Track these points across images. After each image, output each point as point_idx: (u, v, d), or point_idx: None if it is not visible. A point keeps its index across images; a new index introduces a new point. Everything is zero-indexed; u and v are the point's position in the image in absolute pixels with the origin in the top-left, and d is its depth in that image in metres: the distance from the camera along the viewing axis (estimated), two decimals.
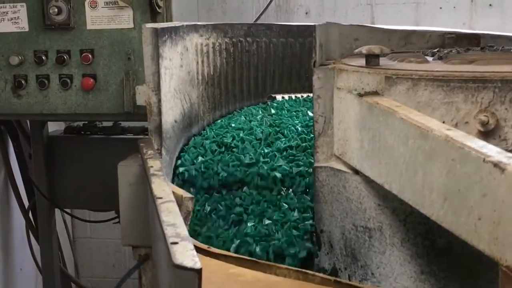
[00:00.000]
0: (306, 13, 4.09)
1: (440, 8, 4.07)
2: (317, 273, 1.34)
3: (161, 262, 1.47)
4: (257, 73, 2.73)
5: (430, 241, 1.64)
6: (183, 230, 1.17)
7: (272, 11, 4.02)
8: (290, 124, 2.36)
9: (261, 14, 3.75)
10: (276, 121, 2.40)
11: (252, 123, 2.38)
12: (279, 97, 2.77)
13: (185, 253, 1.06)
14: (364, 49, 1.79)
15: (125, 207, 2.06)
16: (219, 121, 2.47)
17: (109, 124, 3.07)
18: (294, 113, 2.52)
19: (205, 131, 2.35)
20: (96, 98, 2.46)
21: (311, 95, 2.74)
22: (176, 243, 1.10)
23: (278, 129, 2.32)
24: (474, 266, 1.58)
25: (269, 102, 2.71)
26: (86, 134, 3.06)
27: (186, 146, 2.26)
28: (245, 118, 2.46)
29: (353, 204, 1.79)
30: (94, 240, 4.40)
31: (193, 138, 2.31)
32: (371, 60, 1.79)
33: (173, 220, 1.22)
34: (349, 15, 3.97)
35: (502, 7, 4.15)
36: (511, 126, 1.51)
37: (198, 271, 1.00)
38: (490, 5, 4.10)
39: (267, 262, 1.41)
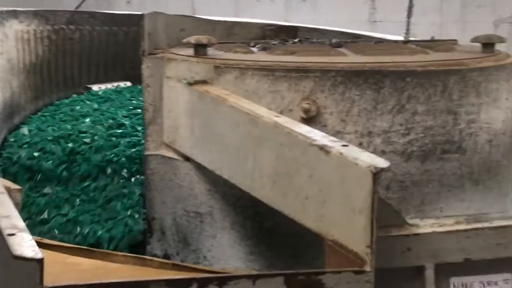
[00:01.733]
0: (128, 2, 4.07)
1: (258, 1, 4.24)
2: (154, 258, 1.37)
3: None
4: (81, 62, 2.68)
5: (258, 223, 1.72)
6: (19, 222, 1.14)
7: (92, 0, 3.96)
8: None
9: (82, 2, 3.67)
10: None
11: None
12: (95, 87, 2.70)
13: (24, 243, 1.04)
14: (192, 39, 1.84)
15: None
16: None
17: None
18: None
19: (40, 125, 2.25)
20: None
21: (128, 83, 2.75)
22: (13, 234, 1.08)
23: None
24: (298, 245, 1.68)
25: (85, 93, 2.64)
26: None
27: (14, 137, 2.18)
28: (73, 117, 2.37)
29: (184, 190, 1.83)
30: None
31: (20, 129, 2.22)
32: (200, 49, 1.84)
33: (7, 212, 1.19)
34: (170, 5, 4.01)
35: (314, 1, 4.41)
36: (330, 113, 1.64)
37: (40, 261, 0.99)
38: None
39: (104, 250, 1.41)
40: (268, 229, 1.71)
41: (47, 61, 2.50)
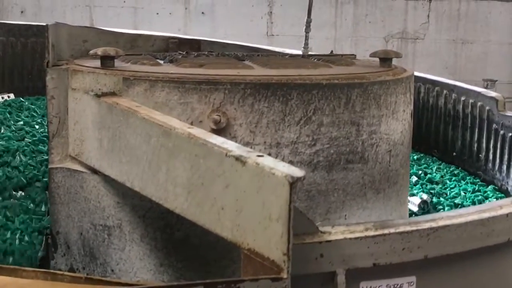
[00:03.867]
0: (22, 12, 3.96)
1: (157, 13, 4.23)
2: (66, 273, 1.35)
3: None
4: None
5: (168, 235, 1.73)
6: None
7: None
8: None
9: None
10: None
11: None
12: None
13: None
14: (99, 51, 1.82)
15: None
16: None
17: None
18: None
19: None
20: None
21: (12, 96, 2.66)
22: None
23: None
24: (209, 255, 1.70)
25: None
26: None
27: None
28: None
29: (92, 203, 1.81)
30: None
31: None
32: (107, 61, 1.83)
33: None
34: (68, 16, 3.94)
35: (213, 15, 4.45)
36: (239, 125, 1.67)
37: None
38: (203, 13, 4.37)
39: (11, 266, 1.37)
40: (178, 240, 1.72)
41: None
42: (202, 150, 1.31)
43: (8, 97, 2.59)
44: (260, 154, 1.20)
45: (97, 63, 1.84)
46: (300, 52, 2.73)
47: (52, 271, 1.36)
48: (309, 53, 2.60)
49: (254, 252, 1.17)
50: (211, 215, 1.29)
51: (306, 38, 2.77)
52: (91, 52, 1.86)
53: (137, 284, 1.19)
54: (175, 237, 1.72)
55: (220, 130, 1.64)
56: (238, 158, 1.21)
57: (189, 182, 1.36)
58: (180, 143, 1.38)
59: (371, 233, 1.24)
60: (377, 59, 2.05)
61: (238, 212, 1.21)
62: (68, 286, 1.24)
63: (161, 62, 2.00)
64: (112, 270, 1.79)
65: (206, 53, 2.41)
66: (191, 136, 1.35)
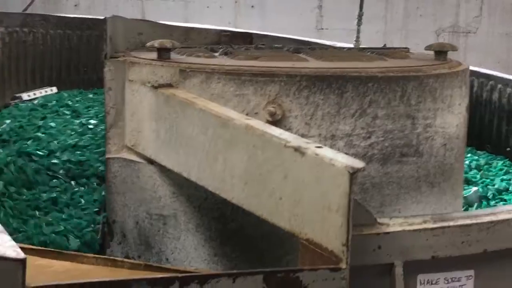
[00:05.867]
0: (76, 5, 4.03)
1: (208, 7, 4.26)
2: (125, 260, 1.38)
3: None
4: (34, 65, 2.65)
5: (223, 225, 1.75)
6: None
7: (39, 3, 3.89)
8: None
9: (29, 5, 3.61)
10: None
11: None
12: (24, 95, 2.62)
13: (5, 244, 1.04)
14: (156, 43, 1.85)
15: None
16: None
17: None
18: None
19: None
20: None
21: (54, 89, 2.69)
22: None
23: None
24: (263, 246, 1.71)
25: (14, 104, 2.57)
26: None
27: None
28: None
29: (147, 193, 1.84)
30: None
31: None
32: (163, 53, 1.85)
33: None
34: (120, 9, 3.99)
35: (263, 9, 4.46)
36: (295, 117, 1.68)
37: (23, 261, 0.99)
38: (252, 6, 4.38)
39: (72, 252, 1.41)
40: (233, 231, 1.74)
41: (0, 63, 2.47)
42: (260, 141, 1.32)
43: (51, 90, 2.64)
44: (319, 145, 1.21)
45: (153, 55, 1.87)
46: (351, 46, 2.72)
47: (112, 257, 1.39)
48: (361, 46, 2.59)
49: (312, 242, 1.18)
50: (269, 205, 1.30)
51: (358, 31, 2.76)
52: (148, 44, 1.89)
53: (195, 271, 1.21)
54: (230, 228, 1.73)
55: (275, 122, 1.65)
56: (297, 149, 1.21)
57: (246, 172, 1.37)
58: (237, 134, 1.39)
59: (430, 225, 1.23)
60: (432, 52, 2.03)
61: (297, 202, 1.22)
62: (128, 272, 1.27)
63: (216, 54, 2.01)
64: (167, 259, 1.82)
65: (259, 46, 2.42)
66: (249, 127, 1.36)
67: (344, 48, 2.62)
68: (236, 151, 1.40)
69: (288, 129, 1.67)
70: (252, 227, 1.69)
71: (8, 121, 2.22)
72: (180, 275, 1.03)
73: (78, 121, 2.33)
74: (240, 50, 2.11)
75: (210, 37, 2.61)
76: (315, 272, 1.10)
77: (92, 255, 1.38)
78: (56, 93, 2.63)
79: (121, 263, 1.34)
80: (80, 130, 2.31)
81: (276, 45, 2.43)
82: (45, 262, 1.33)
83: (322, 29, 4.66)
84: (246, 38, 2.73)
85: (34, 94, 2.53)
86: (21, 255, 1.00)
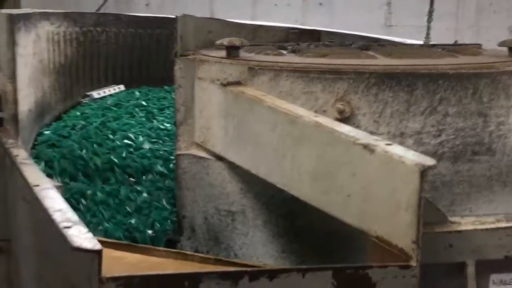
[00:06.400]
0: (147, 4, 4.11)
1: (275, 5, 4.28)
2: (195, 253, 1.40)
3: (40, 250, 1.45)
4: (107, 64, 2.72)
5: (290, 222, 1.75)
6: (72, 215, 1.18)
7: (111, 2, 3.99)
8: None
9: (102, 5, 3.71)
10: None
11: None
12: (95, 93, 2.66)
13: (82, 235, 1.08)
14: (225, 41, 1.87)
15: None
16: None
17: None
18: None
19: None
20: None
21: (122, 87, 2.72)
22: (69, 227, 1.11)
23: None
24: (331, 243, 1.71)
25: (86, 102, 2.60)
26: None
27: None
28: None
29: (216, 189, 1.86)
30: None
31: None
32: (232, 51, 1.87)
33: (58, 206, 1.22)
34: (189, 7, 4.05)
35: (330, 6, 4.45)
36: (363, 114, 1.67)
37: (99, 252, 1.02)
38: (320, 4, 4.38)
39: (144, 245, 1.44)
40: (300, 228, 1.74)
41: (75, 62, 2.54)
42: (328, 138, 1.32)
43: (119, 88, 2.70)
44: (389, 142, 1.20)
45: (223, 53, 1.89)
46: (421, 43, 2.68)
47: (183, 251, 1.42)
48: (431, 43, 2.55)
49: (381, 239, 1.18)
50: (337, 202, 1.30)
51: (428, 28, 2.72)
52: (218, 42, 1.91)
53: (265, 267, 1.23)
54: (297, 225, 1.74)
55: (344, 119, 1.64)
56: (366, 146, 1.21)
57: (314, 169, 1.37)
58: (306, 131, 1.40)
59: (503, 224, 1.21)
60: (505, 49, 1.99)
61: (365, 200, 1.22)
62: (198, 266, 1.30)
63: (284, 52, 2.02)
64: (236, 255, 1.84)
65: (327, 43, 2.42)
66: (318, 124, 1.36)
67: (414, 45, 2.58)
68: (305, 148, 1.41)
69: (357, 127, 1.66)
70: (320, 224, 1.69)
71: (82, 122, 2.27)
72: (249, 269, 1.04)
73: (152, 124, 2.33)
74: (308, 47, 2.11)
75: (278, 35, 2.62)
76: (385, 269, 1.10)
77: (163, 248, 1.42)
78: (123, 90, 2.68)
79: (191, 257, 1.37)
80: (154, 134, 2.32)
81: (344, 43, 2.42)
82: (119, 254, 1.37)
83: (391, 26, 4.61)
84: (314, 36, 2.72)
85: (104, 92, 2.59)
86: (97, 246, 1.03)
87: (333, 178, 1.31)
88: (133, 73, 2.82)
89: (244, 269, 1.05)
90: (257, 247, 1.80)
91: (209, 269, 1.23)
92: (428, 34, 2.76)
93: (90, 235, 1.08)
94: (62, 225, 1.12)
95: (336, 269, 1.09)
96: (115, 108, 2.43)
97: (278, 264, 1.77)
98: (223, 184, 1.84)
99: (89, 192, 2.06)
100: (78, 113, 2.37)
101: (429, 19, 2.72)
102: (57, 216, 1.17)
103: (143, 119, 2.38)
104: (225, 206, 1.85)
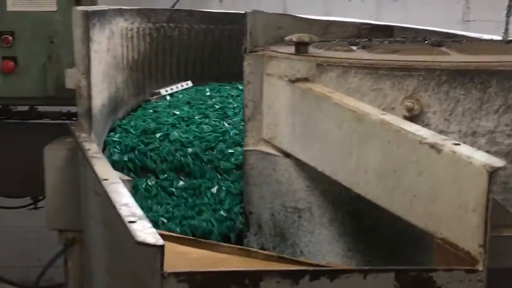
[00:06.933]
0: (220, 1, 4.13)
1: (349, 0, 4.22)
2: (260, 250, 1.40)
3: (103, 242, 1.49)
4: (179, 59, 2.75)
5: (357, 221, 1.73)
6: (137, 209, 1.20)
7: None
8: None
9: (176, 1, 3.76)
10: None
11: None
12: (163, 91, 2.60)
13: (145, 230, 1.10)
14: (294, 37, 1.86)
15: (52, 191, 2.05)
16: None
17: (25, 109, 3.00)
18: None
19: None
20: (17, 81, 2.41)
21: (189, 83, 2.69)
22: (134, 221, 1.13)
23: None
24: (397, 244, 1.68)
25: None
26: (0, 118, 2.97)
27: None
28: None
29: (283, 186, 1.86)
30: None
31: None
32: (301, 47, 1.86)
33: (125, 200, 1.25)
34: (262, 3, 4.04)
35: (405, 1, 4.36)
36: (433, 112, 1.63)
37: (161, 248, 1.04)
38: None
39: (209, 241, 1.46)
40: (367, 227, 1.72)
41: (148, 57, 2.58)
42: (395, 136, 1.30)
43: (187, 84, 2.71)
44: (456, 142, 1.17)
45: (292, 49, 1.89)
46: (499, 38, 2.60)
47: (247, 248, 1.42)
48: (509, 39, 2.46)
49: (447, 241, 1.15)
50: (403, 202, 1.28)
51: (507, 23, 2.62)
52: (287, 38, 1.91)
53: (327, 266, 1.22)
54: (364, 223, 1.72)
55: (413, 117, 1.61)
56: (433, 146, 1.18)
57: (380, 168, 1.35)
58: (372, 129, 1.38)
59: None
60: None
61: (432, 201, 1.19)
62: (261, 263, 1.30)
63: (354, 48, 2.00)
64: (301, 252, 1.84)
65: (400, 39, 2.37)
66: (384, 122, 1.34)
67: (491, 40, 2.50)
68: (371, 146, 1.39)
69: (426, 125, 1.62)
70: (386, 224, 1.66)
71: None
72: (310, 268, 1.04)
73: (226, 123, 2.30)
74: (379, 43, 2.08)
75: (350, 30, 2.58)
76: (450, 272, 1.07)
77: (228, 244, 1.43)
78: (191, 87, 2.67)
79: (255, 254, 1.37)
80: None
81: (417, 38, 2.37)
82: (184, 249, 1.38)
83: (469, 21, 4.48)
84: (387, 31, 2.67)
85: (172, 89, 2.60)
86: (160, 241, 1.05)
87: (399, 177, 1.29)
88: (204, 69, 2.84)
89: (305, 268, 1.04)
90: (323, 245, 1.79)
91: (272, 267, 1.23)
92: (506, 29, 2.67)
93: (153, 230, 1.09)
94: (127, 219, 1.14)
95: (399, 271, 1.07)
96: (186, 108, 2.41)
97: (344, 263, 1.75)
98: (290, 180, 1.84)
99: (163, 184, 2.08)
100: (150, 111, 2.39)
101: (508, 14, 2.62)
102: (123, 211, 1.19)
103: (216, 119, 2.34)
104: (291, 203, 1.84)
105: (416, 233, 1.33)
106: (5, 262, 4.37)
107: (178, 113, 2.39)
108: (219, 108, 2.46)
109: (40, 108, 2.99)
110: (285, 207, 1.86)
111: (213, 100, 2.57)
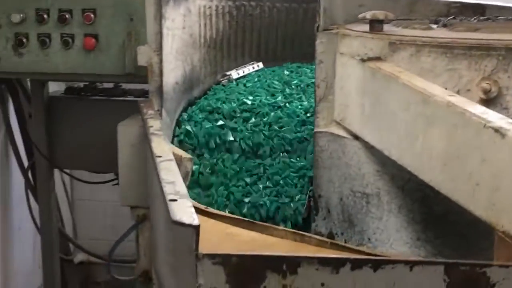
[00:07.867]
0: None
1: None
2: (313, 235, 1.35)
3: (159, 220, 1.48)
4: (259, 38, 2.71)
5: (427, 208, 1.64)
6: (182, 188, 1.17)
7: None
8: None
9: None
10: None
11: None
12: (234, 73, 2.52)
13: (184, 210, 1.07)
14: (368, 14, 1.78)
15: (124, 167, 2.06)
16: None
17: (110, 85, 3.05)
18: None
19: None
20: (98, 58, 2.44)
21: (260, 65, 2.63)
22: (175, 200, 1.11)
23: None
24: (469, 234, 1.58)
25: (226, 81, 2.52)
26: (86, 95, 3.04)
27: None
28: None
29: (352, 169, 1.79)
30: (93, 201, 4.41)
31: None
32: (375, 25, 1.78)
33: (172, 178, 1.23)
34: None
35: None
36: None
37: (196, 228, 1.00)
38: None
39: (264, 224, 1.41)
40: (438, 215, 1.63)
41: (227, 36, 2.56)
42: (459, 119, 1.20)
43: (258, 66, 2.64)
44: None
45: (367, 28, 1.80)
46: None
47: (301, 232, 1.37)
48: None
49: (508, 235, 1.05)
50: (465, 190, 1.19)
51: None
52: (360, 16, 1.83)
53: (376, 254, 1.15)
54: (434, 211, 1.62)
55: (489, 100, 1.50)
56: (497, 130, 1.09)
57: (444, 153, 1.26)
58: (437, 111, 1.29)
59: None
60: None
61: (494, 190, 1.10)
62: (312, 248, 1.25)
63: (434, 26, 1.89)
64: (369, 239, 1.76)
65: (489, 17, 2.23)
66: (450, 104, 1.25)
67: None
68: (436, 130, 1.30)
69: (504, 109, 1.51)
70: (457, 213, 1.55)
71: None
72: (352, 257, 0.97)
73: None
74: (462, 21, 1.95)
75: (438, 9, 2.45)
76: (506, 269, 0.98)
77: (282, 228, 1.38)
78: (262, 68, 2.60)
79: (309, 239, 1.32)
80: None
81: (508, 18, 2.22)
82: (235, 230, 1.35)
83: None
84: (478, 10, 2.52)
85: (243, 71, 2.53)
86: (195, 221, 1.01)
87: (462, 164, 1.19)
88: (286, 48, 2.78)
89: (346, 256, 0.98)
90: (391, 232, 1.71)
91: (320, 254, 1.17)
92: None
93: (192, 210, 1.06)
94: (169, 197, 1.12)
95: (449, 265, 0.99)
96: (265, 92, 2.35)
97: (411, 253, 1.66)
98: (359, 164, 1.77)
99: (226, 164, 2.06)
100: (223, 94, 2.36)
101: None
102: (167, 188, 1.17)
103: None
104: (360, 188, 1.77)
105: (488, 225, 1.23)
106: (97, 235, 4.52)
107: (257, 94, 2.36)
108: (299, 88, 2.41)
109: (124, 86, 3.05)
110: (354, 191, 1.79)
111: (294, 81, 2.51)
